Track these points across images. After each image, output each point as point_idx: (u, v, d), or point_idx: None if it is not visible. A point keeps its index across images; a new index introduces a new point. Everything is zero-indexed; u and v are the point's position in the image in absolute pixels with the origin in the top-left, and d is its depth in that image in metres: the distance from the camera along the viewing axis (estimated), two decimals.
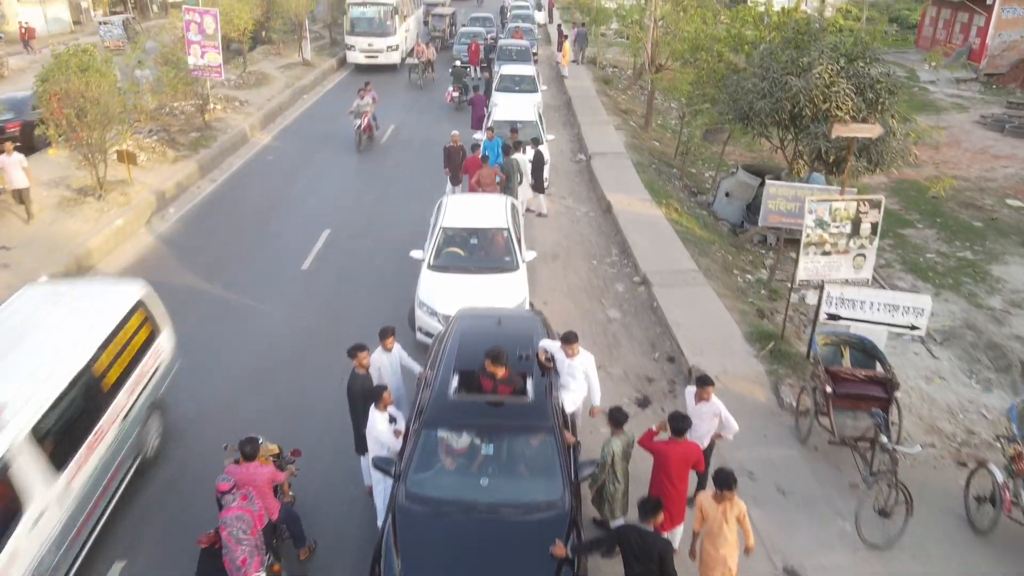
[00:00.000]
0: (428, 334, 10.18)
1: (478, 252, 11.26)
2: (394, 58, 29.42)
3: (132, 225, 14.48)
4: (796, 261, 9.51)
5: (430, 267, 10.91)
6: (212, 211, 15.85)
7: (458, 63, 27.40)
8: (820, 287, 9.33)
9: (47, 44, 42.38)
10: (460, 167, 15.47)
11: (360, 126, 19.25)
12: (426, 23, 38.23)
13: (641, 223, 14.55)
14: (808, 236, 9.19)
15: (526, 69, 23.36)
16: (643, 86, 28.91)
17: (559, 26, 31.76)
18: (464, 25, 35.40)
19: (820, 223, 9.10)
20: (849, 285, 9.27)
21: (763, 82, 11.51)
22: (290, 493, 7.28)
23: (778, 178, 17.02)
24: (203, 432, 8.73)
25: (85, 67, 14.23)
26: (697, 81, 16.41)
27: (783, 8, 14.91)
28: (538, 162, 15.13)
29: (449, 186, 15.83)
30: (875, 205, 9.06)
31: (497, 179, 14.07)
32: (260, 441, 7.00)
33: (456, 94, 26.16)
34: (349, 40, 29.38)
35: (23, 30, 34.07)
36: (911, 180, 19.29)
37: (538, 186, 15.32)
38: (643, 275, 12.54)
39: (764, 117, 12.37)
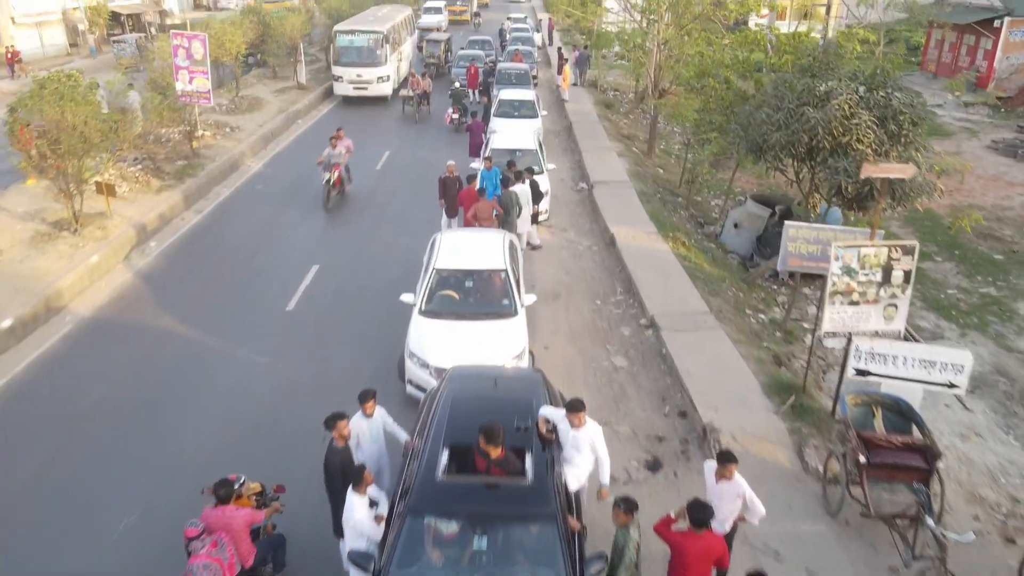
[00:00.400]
0: (419, 387, 9.35)
1: (473, 296, 10.46)
2: (385, 90, 27.30)
3: (108, 261, 13.68)
4: (819, 308, 8.70)
5: (422, 312, 10.10)
6: (196, 245, 15.07)
7: (457, 84, 26.85)
8: (847, 340, 8.51)
9: (42, 67, 41.90)
10: (456, 199, 14.74)
11: (330, 180, 16.54)
12: (420, 49, 36.51)
13: (647, 258, 13.76)
14: (834, 284, 8.38)
15: (526, 94, 22.72)
16: (645, 110, 28.33)
17: (559, 49, 31.24)
18: (463, 48, 34.90)
19: (847, 270, 8.30)
20: (879, 338, 8.45)
21: (777, 112, 10.78)
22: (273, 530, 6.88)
23: (789, 209, 16.32)
24: (166, 514, 7.86)
25: (62, 95, 13.53)
26: (704, 108, 15.71)
27: (794, 32, 14.23)
28: (532, 194, 14.34)
29: (444, 218, 15.07)
30: (908, 251, 8.27)
31: (495, 212, 13.33)
32: (242, 481, 6.58)
33: (456, 116, 25.53)
34: (336, 70, 27.15)
35: (8, 54, 33.54)
36: (926, 209, 18.53)
37: (533, 217, 14.53)
38: (651, 317, 11.72)
39: (779, 150, 11.62)
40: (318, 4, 43.95)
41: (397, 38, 29.25)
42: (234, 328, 11.59)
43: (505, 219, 13.52)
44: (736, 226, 16.77)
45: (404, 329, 10.00)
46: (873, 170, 8.01)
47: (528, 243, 14.60)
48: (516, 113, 21.76)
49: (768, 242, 15.84)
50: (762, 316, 13.04)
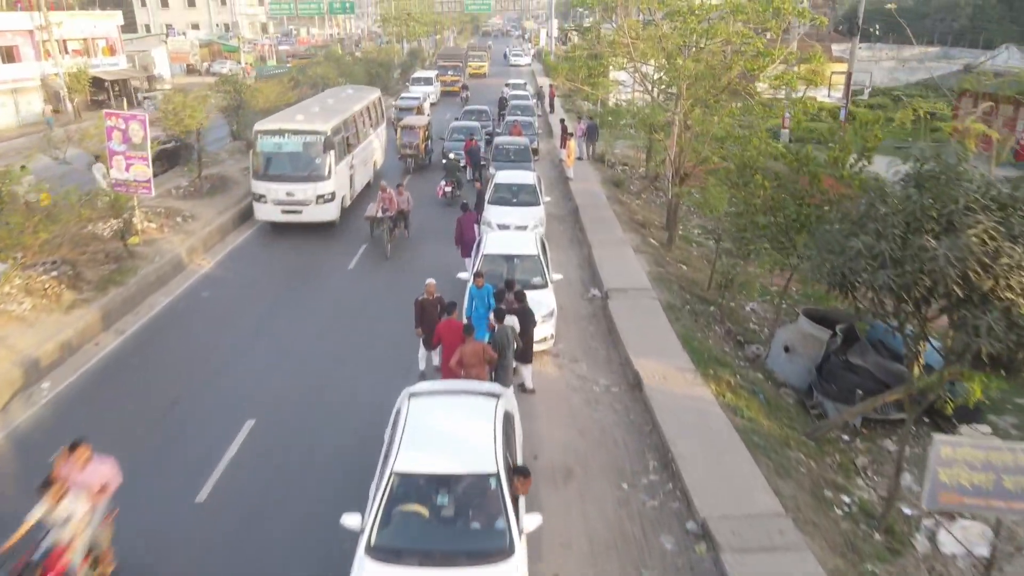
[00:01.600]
0: None
1: (448, 524, 7.09)
2: (328, 213, 18.95)
3: None
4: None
5: (370, 550, 6.71)
6: (103, 385, 11.76)
7: (452, 155, 23.99)
8: None
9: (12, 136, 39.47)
10: (435, 327, 11.54)
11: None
12: (393, 123, 29.83)
13: (686, 413, 10.43)
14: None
15: (526, 176, 19.79)
16: (659, 188, 25.47)
17: (562, 121, 28.59)
18: (457, 119, 32.35)
19: None
20: None
21: (879, 241, 7.67)
22: None
23: (852, 330, 13.08)
24: None
25: None
26: (746, 209, 12.65)
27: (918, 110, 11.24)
28: (524, 322, 11.03)
29: (422, 351, 11.82)
30: None
31: (491, 348, 10.09)
32: None
33: (449, 189, 22.70)
34: (257, 186, 18.58)
35: None
36: None
37: (524, 354, 11.14)
38: (701, 522, 8.32)
39: (882, 290, 8.32)
40: (301, 73, 41.89)
41: (353, 135, 21.58)
42: (121, 531, 8.15)
43: (500, 363, 10.27)
44: (787, 349, 13.51)
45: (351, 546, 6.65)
46: None
47: (521, 386, 11.27)
48: (514, 199, 18.79)
49: (832, 375, 12.53)
50: (845, 498, 9.62)
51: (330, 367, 12.29)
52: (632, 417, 10.85)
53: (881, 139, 11.67)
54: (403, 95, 38.05)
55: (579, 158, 26.52)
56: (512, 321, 10.75)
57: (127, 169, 15.66)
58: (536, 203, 18.53)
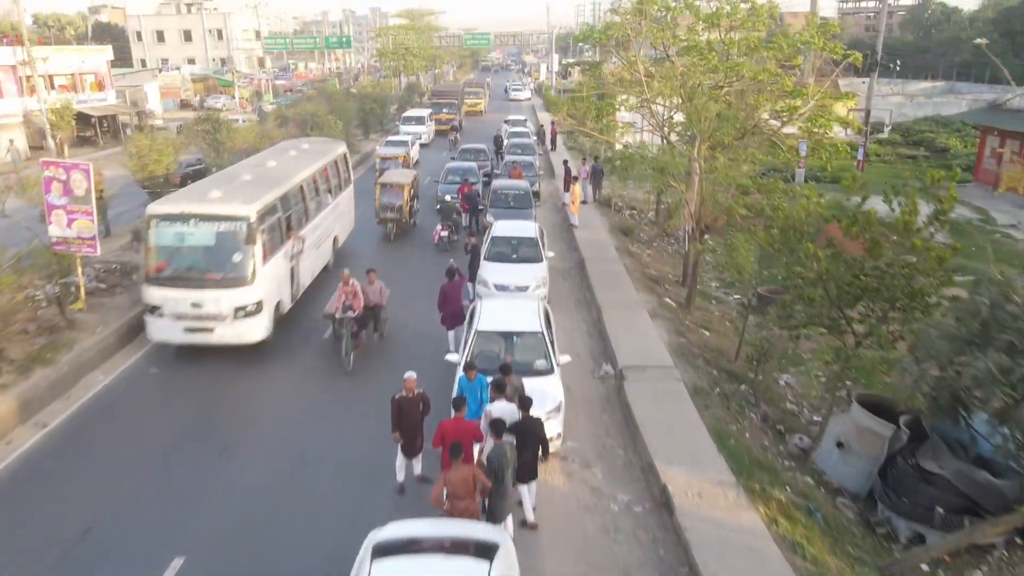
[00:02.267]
0: None
1: None
2: (253, 330, 13.28)
3: None
4: None
5: None
6: (5, 502, 9.51)
7: (448, 198, 22.01)
8: None
9: None
10: (416, 430, 9.37)
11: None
12: (377, 172, 25.60)
13: (732, 552, 8.18)
14: None
15: (526, 228, 17.72)
16: (670, 233, 23.45)
17: (565, 162, 26.68)
18: (453, 158, 30.48)
19: None
20: None
21: (1020, 360, 5.56)
22: None
23: (918, 423, 10.89)
24: None
25: None
26: (793, 283, 10.54)
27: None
28: (526, 436, 8.76)
29: (400, 459, 9.60)
30: None
31: (482, 476, 7.88)
32: None
33: (446, 234, 20.79)
34: (150, 294, 13.04)
35: None
36: None
37: (526, 471, 8.75)
38: None
39: (980, 387, 6.17)
40: (289, 110, 40.19)
41: (300, 211, 15.87)
42: None
43: (496, 489, 8.04)
44: (840, 446, 11.29)
45: None
46: None
47: (522, 521, 8.97)
48: (514, 255, 16.70)
49: (901, 485, 10.29)
50: None
51: (282, 493, 10.04)
52: (662, 553, 8.57)
53: (956, 200, 9.60)
54: (389, 139, 34.34)
55: (584, 202, 24.58)
56: (503, 407, 8.61)
57: (69, 225, 13.61)
58: (538, 259, 16.45)
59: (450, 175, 25.83)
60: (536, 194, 25.66)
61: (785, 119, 14.55)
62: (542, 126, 39.89)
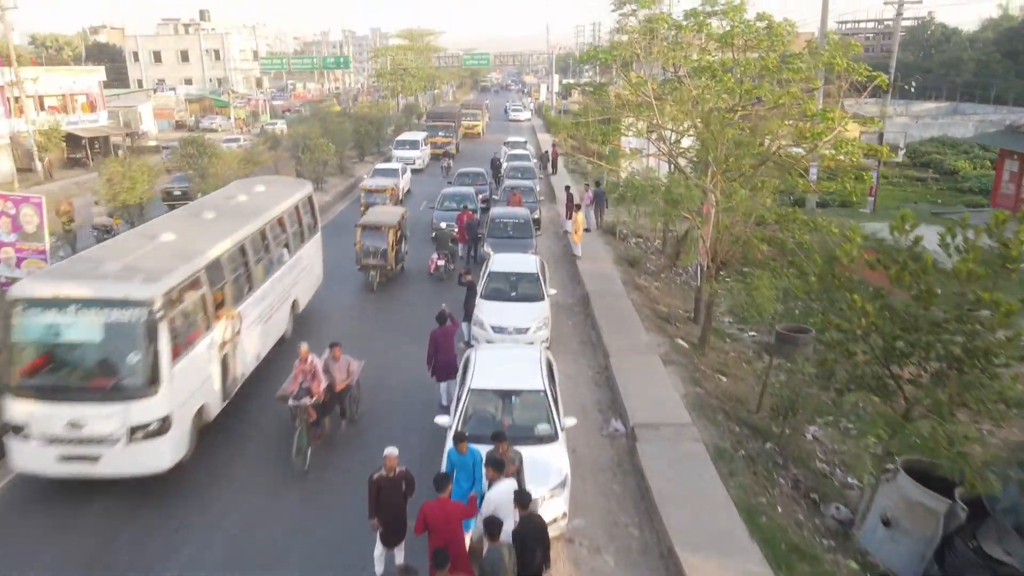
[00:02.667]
0: None
1: None
2: (158, 456, 9.70)
3: None
4: None
5: None
6: None
7: (444, 225, 20.73)
8: None
9: None
10: (397, 514, 7.97)
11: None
12: (363, 204, 24.03)
13: None
14: None
15: (527, 262, 16.40)
16: (679, 263, 22.12)
17: (567, 188, 25.44)
18: (450, 183, 29.26)
19: None
20: None
21: None
22: None
23: (979, 501, 9.49)
24: None
25: None
26: (830, 336, 9.18)
27: None
28: (528, 540, 7.26)
29: (378, 548, 8.18)
30: None
31: None
32: None
33: (442, 263, 19.50)
34: (14, 408, 9.41)
35: None
36: None
37: (529, 565, 7.15)
38: None
39: None
40: (291, 127, 39.08)
41: (240, 277, 12.41)
42: None
43: None
44: (887, 523, 9.85)
45: None
46: None
47: None
48: (513, 293, 15.39)
49: (961, 572, 8.87)
50: None
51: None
52: None
53: None
54: (378, 167, 31.18)
55: (587, 230, 23.28)
56: (502, 491, 7.22)
57: (18, 265, 12.27)
58: (539, 297, 15.12)
59: (446, 201, 24.61)
60: (537, 221, 24.38)
61: (810, 146, 13.29)
62: (546, 151, 38.47)
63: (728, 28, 15.29)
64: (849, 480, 11.85)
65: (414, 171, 35.32)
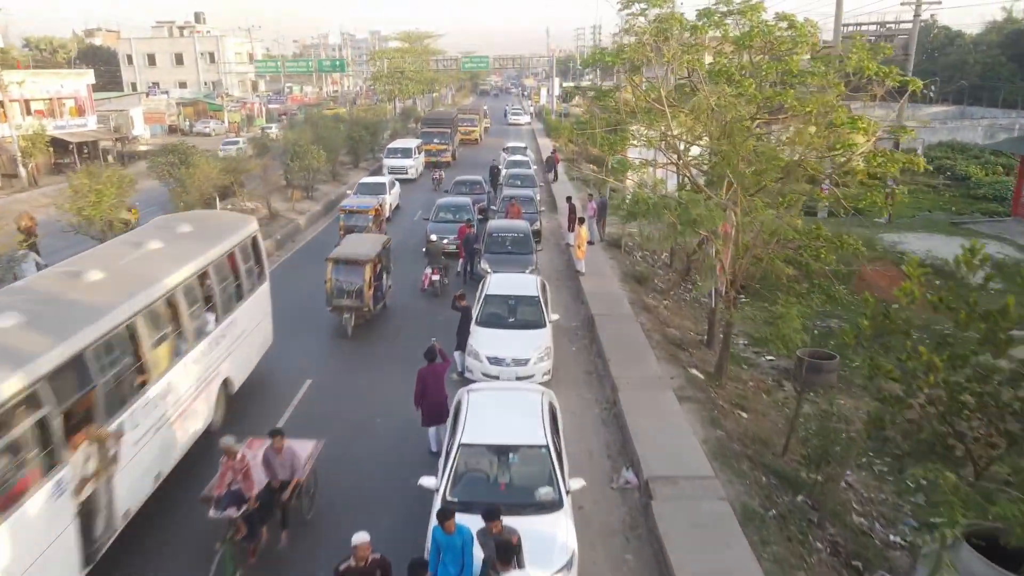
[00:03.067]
0: None
1: None
2: None
3: None
4: None
5: None
6: None
7: (434, 237, 19.35)
8: None
9: None
10: None
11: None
12: (341, 226, 20.89)
13: None
14: None
15: (526, 284, 15.03)
16: (689, 279, 20.76)
17: (569, 199, 24.07)
18: (446, 192, 27.93)
19: None
20: None
21: None
22: None
23: None
24: None
25: None
26: (891, 398, 7.79)
27: None
28: None
29: None
30: None
31: None
32: None
33: (436, 278, 18.21)
34: None
35: None
36: None
37: None
38: None
39: None
40: (285, 133, 37.70)
41: (125, 372, 8.61)
42: None
43: None
44: None
45: None
46: None
47: None
48: (511, 319, 14.05)
49: None
50: None
51: None
52: None
53: None
54: (363, 180, 27.63)
55: (590, 243, 21.89)
56: None
57: None
58: (540, 324, 13.76)
59: (441, 212, 23.27)
60: (537, 233, 23.04)
61: (844, 158, 11.96)
62: (548, 157, 36.82)
63: (746, 29, 13.93)
64: (891, 538, 10.47)
65: (407, 181, 33.42)
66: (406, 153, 35.92)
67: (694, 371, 14.25)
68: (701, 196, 11.66)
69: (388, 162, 35.50)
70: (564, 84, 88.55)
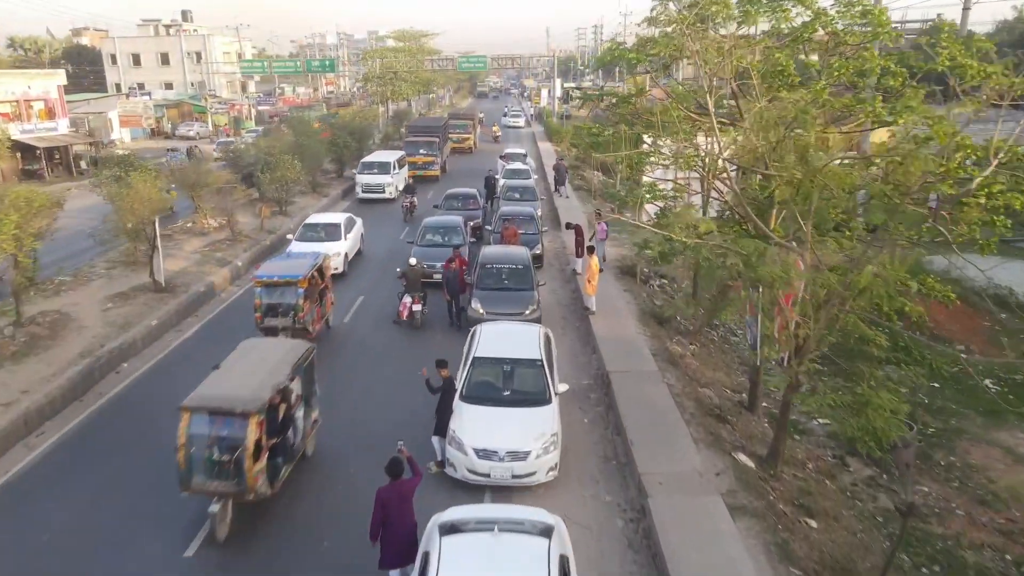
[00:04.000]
0: None
1: None
2: None
3: None
4: None
5: None
6: None
7: (413, 261, 16.02)
8: None
9: None
10: None
11: None
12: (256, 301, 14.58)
13: None
14: None
15: (526, 338, 11.77)
16: (714, 315, 17.54)
17: (569, 225, 20.86)
18: (436, 207, 24.78)
19: None
20: None
21: None
22: None
23: None
24: None
25: None
26: None
27: None
28: None
29: None
30: None
31: None
32: None
33: (417, 308, 15.23)
34: None
35: None
36: None
37: None
38: None
39: None
40: (262, 140, 34.41)
41: None
42: None
43: None
44: None
45: None
46: None
47: None
48: (507, 393, 10.82)
49: None
50: None
51: None
52: None
53: None
54: (310, 219, 21.05)
55: (600, 270, 18.66)
56: None
57: None
58: (543, 399, 10.50)
59: (428, 234, 20.07)
60: (539, 258, 19.90)
61: (964, 187, 8.85)
62: (557, 166, 32.45)
63: (811, 17, 10.80)
64: None
65: (385, 202, 28.83)
66: (384, 168, 30.08)
67: (742, 456, 11.07)
68: (767, 244, 8.48)
69: (362, 179, 30.05)
70: (565, 84, 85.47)
